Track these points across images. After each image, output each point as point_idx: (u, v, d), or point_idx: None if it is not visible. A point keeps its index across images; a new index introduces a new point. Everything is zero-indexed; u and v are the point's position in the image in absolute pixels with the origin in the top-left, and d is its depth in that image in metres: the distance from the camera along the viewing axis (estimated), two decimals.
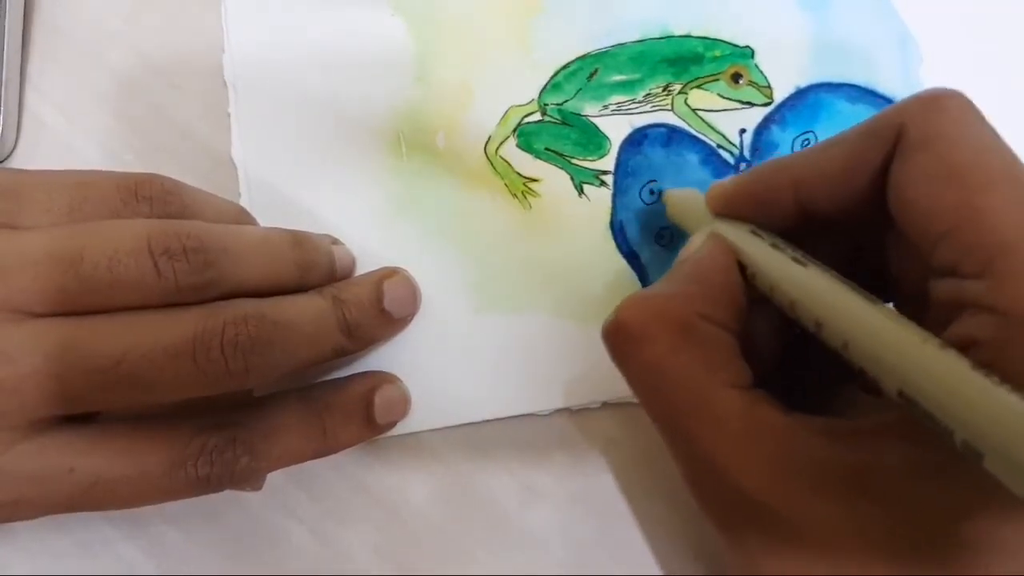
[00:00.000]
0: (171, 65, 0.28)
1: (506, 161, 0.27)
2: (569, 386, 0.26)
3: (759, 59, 0.26)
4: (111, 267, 0.20)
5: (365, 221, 0.27)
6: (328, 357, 0.24)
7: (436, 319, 0.26)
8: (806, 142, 0.26)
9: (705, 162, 0.26)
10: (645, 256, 0.26)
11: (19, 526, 0.26)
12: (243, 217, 0.25)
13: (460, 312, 0.26)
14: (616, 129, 0.27)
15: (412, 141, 0.27)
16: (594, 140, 0.27)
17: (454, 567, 0.26)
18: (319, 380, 0.26)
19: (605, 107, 0.27)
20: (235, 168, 0.27)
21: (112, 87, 0.28)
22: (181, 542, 0.26)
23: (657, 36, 0.27)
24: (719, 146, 0.26)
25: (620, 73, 0.27)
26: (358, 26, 0.27)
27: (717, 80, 0.26)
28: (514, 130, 0.27)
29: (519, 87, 0.27)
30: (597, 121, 0.27)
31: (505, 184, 0.27)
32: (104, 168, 0.24)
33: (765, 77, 0.26)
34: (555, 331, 0.26)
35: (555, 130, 0.27)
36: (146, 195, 0.22)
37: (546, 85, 0.27)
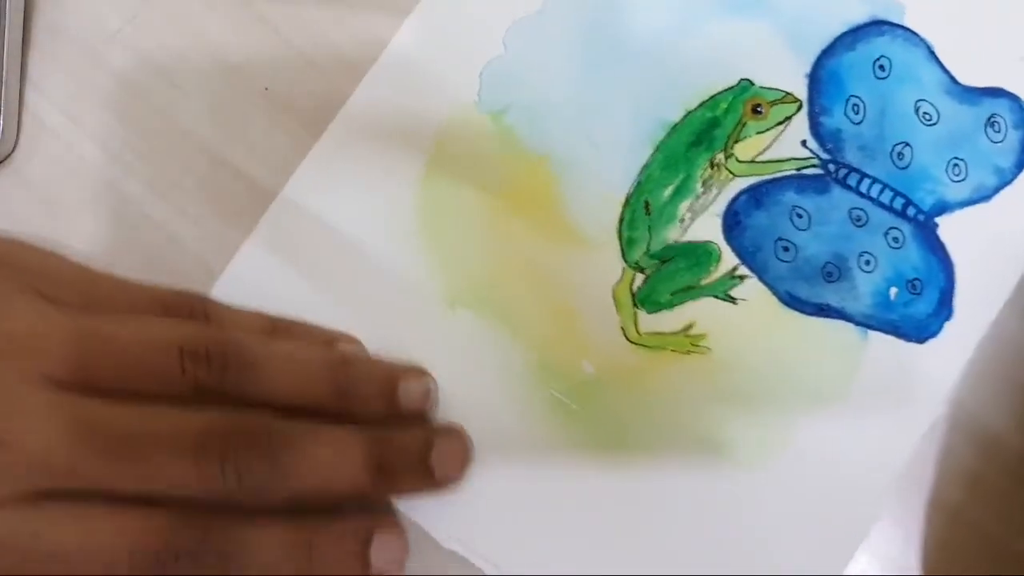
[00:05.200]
0: (171, 65, 0.28)
1: (654, 333, 0.26)
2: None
3: (759, 81, 0.26)
4: (143, 355, 0.21)
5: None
6: (344, 495, 0.23)
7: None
8: (856, 107, 0.26)
9: (802, 190, 0.26)
10: (834, 301, 0.25)
11: None
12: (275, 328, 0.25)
13: (739, 477, 0.25)
14: (709, 229, 0.26)
15: (567, 391, 0.26)
16: (702, 255, 0.26)
17: (455, 567, 0.25)
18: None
19: (682, 221, 0.26)
20: (236, 168, 0.27)
21: (112, 87, 0.28)
22: None
23: (664, 134, 0.26)
24: (800, 170, 0.26)
25: (667, 186, 0.26)
26: (454, 340, 0.26)
27: (745, 124, 0.26)
28: (634, 304, 0.26)
29: (604, 271, 0.26)
30: (688, 237, 0.26)
31: (672, 351, 0.26)
32: (107, 169, 0.27)
33: (778, 90, 0.26)
34: (829, 430, 0.25)
35: (664, 274, 0.26)
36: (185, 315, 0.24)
37: (622, 249, 0.26)
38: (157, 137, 0.28)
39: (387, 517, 0.25)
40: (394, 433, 0.24)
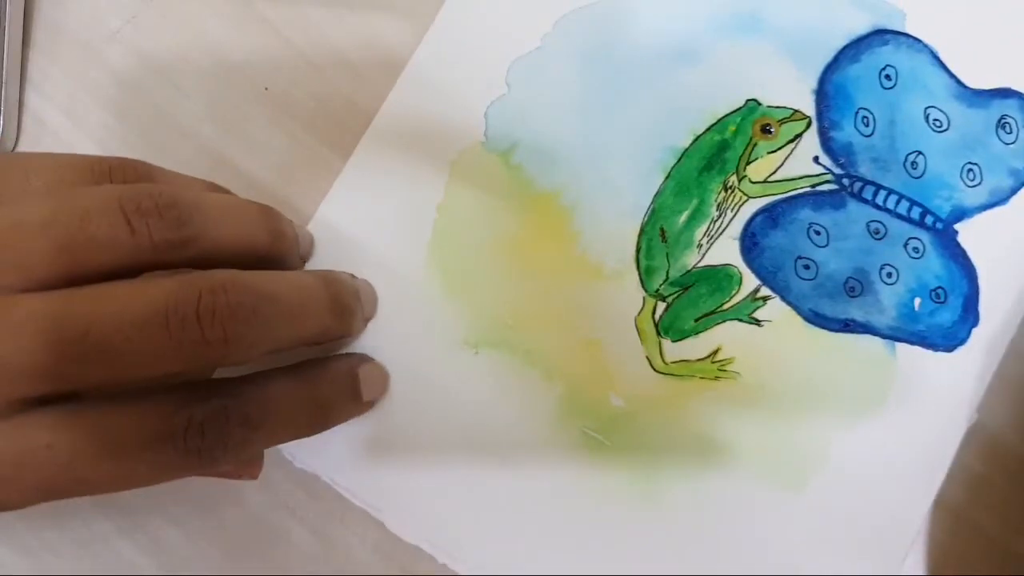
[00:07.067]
0: (171, 65, 0.28)
1: (680, 361, 0.26)
2: None
3: (766, 100, 0.26)
4: (83, 226, 0.19)
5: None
6: (315, 338, 0.23)
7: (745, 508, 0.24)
8: (865, 119, 0.26)
9: (818, 207, 0.26)
10: (859, 315, 0.25)
11: (18, 523, 0.25)
12: (214, 188, 0.25)
13: (778, 501, 0.25)
14: (728, 253, 0.26)
15: (597, 426, 0.26)
16: (723, 279, 0.26)
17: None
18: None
19: (699, 246, 0.26)
20: (236, 168, 0.27)
21: (112, 87, 0.28)
22: (181, 541, 0.26)
23: (675, 160, 0.26)
24: (814, 186, 0.26)
25: (681, 212, 0.26)
26: (480, 383, 0.26)
27: (755, 144, 0.26)
28: (658, 333, 0.26)
29: (625, 303, 0.26)
30: (707, 262, 0.26)
31: (701, 379, 0.25)
32: None
33: (786, 108, 0.26)
34: (865, 446, 0.25)
35: (686, 301, 0.26)
36: (120, 180, 0.22)
37: (641, 279, 0.26)
38: (157, 137, 0.28)
39: (358, 354, 0.26)
40: (331, 272, 0.25)
